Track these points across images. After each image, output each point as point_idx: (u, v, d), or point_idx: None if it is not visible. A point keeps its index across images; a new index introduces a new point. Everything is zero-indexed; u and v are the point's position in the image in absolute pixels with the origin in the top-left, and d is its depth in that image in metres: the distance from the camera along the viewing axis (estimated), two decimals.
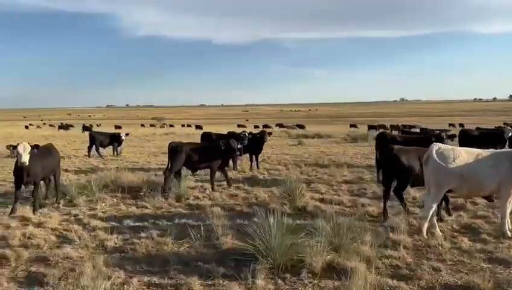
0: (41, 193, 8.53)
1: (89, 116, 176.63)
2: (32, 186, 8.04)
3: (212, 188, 9.83)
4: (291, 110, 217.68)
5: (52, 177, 8.78)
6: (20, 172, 7.50)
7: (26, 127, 65.90)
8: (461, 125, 52.82)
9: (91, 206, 8.32)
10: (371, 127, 47.44)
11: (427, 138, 11.00)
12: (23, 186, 7.83)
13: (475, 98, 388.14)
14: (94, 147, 17.94)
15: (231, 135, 15.23)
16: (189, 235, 6.12)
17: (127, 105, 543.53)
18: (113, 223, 7.13)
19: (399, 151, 7.05)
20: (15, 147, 7.44)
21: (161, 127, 72.05)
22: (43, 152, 7.99)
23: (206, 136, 14.81)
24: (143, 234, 6.35)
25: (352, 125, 57.64)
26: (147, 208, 8.26)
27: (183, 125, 73.98)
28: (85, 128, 43.01)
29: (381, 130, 43.38)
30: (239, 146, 10.36)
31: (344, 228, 5.27)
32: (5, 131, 45.53)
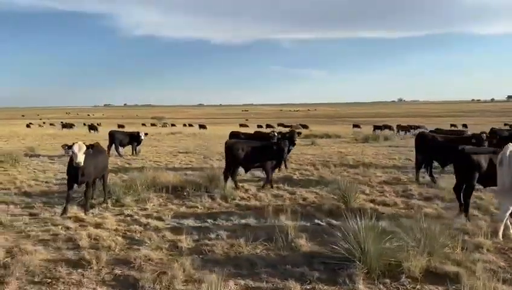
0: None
1: (88, 115, 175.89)
2: (81, 187, 7.88)
3: (263, 187, 9.76)
4: (290, 110, 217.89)
5: (100, 177, 8.61)
6: (75, 172, 7.32)
7: (28, 126, 65.33)
8: (464, 126, 52.94)
9: (140, 206, 8.13)
10: (376, 127, 47.56)
11: (467, 138, 10.92)
12: (75, 186, 7.64)
13: (473, 99, 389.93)
14: (113, 146, 17.75)
15: (259, 134, 15.09)
16: (259, 237, 5.99)
17: (125, 104, 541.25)
18: (173, 223, 6.98)
19: (471, 151, 6.93)
20: (70, 147, 7.26)
21: (163, 126, 71.76)
22: (95, 152, 7.82)
23: (234, 135, 14.64)
24: (212, 235, 6.21)
25: (355, 126, 57.58)
26: (197, 208, 8.11)
27: (184, 125, 73.66)
28: (91, 127, 42.66)
29: (387, 130, 43.52)
30: (291, 147, 10.25)
31: (436, 231, 5.13)
32: (9, 130, 45.08)
